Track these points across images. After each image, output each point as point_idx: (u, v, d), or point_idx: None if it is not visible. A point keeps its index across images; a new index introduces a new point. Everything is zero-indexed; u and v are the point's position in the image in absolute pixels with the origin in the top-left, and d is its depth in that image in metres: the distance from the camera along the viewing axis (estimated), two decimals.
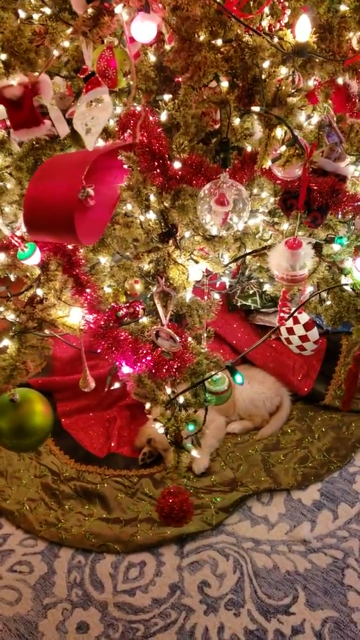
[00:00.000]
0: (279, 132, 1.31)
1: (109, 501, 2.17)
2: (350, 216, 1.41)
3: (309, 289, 1.70)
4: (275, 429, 2.43)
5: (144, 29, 1.30)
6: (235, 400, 2.48)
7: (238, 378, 1.58)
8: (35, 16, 1.46)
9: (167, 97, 1.39)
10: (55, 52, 1.36)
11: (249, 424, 2.46)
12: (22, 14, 1.45)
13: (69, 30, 1.40)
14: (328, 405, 2.49)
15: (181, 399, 1.59)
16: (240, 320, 2.69)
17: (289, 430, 2.43)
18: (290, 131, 1.29)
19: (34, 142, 1.52)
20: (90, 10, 1.24)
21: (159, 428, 1.56)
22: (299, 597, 1.87)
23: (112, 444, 2.39)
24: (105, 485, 2.23)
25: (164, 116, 1.37)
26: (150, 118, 1.30)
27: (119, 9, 1.26)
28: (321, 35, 1.39)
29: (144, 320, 1.57)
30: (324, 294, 1.65)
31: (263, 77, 1.28)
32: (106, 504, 2.16)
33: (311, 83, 1.68)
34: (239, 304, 2.64)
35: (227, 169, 1.28)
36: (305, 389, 2.54)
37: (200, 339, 1.70)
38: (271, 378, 2.53)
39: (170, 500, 1.52)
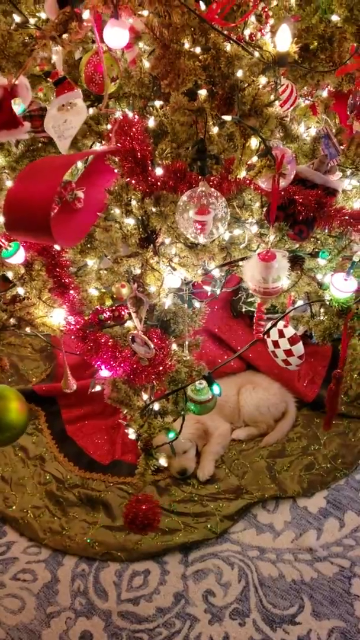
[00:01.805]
0: (254, 142, 1.31)
1: (113, 509, 2.15)
2: (340, 231, 1.38)
3: (299, 302, 1.69)
4: (280, 435, 2.41)
5: (114, 35, 1.31)
6: (241, 407, 2.47)
7: (215, 389, 1.57)
8: (32, 20, 1.47)
9: (158, 103, 1.38)
10: (42, 55, 1.37)
11: (254, 431, 2.44)
12: (17, 19, 1.46)
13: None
14: None
15: (157, 406, 1.58)
16: (246, 326, 2.67)
17: (295, 437, 2.41)
18: (263, 142, 1.29)
19: (30, 144, 1.53)
20: (60, 16, 1.25)
21: (131, 434, 1.55)
22: (305, 607, 1.84)
23: (117, 451, 2.38)
24: (110, 492, 2.21)
25: (151, 122, 1.38)
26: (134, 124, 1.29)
27: (86, 14, 1.27)
28: (321, 46, 1.38)
29: (129, 324, 1.57)
30: (316, 309, 1.64)
31: (243, 86, 1.28)
32: (110, 511, 2.15)
33: (325, 94, 1.68)
34: (243, 309, 2.63)
35: (206, 177, 1.27)
36: (311, 396, 2.52)
37: (191, 346, 1.69)
38: (276, 384, 2.51)
39: (136, 508, 1.51)
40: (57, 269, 1.43)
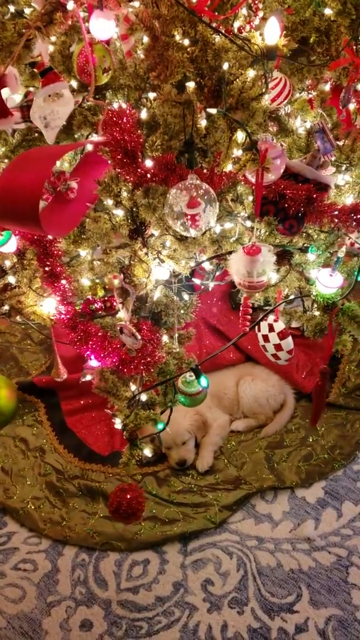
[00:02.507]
0: (241, 135, 1.31)
1: None
2: (332, 226, 1.38)
3: (290, 296, 1.68)
4: (279, 426, 2.42)
5: (99, 26, 1.31)
6: (240, 398, 2.48)
7: (203, 381, 1.58)
8: (27, 10, 1.46)
9: (152, 95, 1.38)
10: (38, 46, 1.36)
11: (253, 422, 2.45)
12: (12, 9, 1.45)
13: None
14: (332, 403, 2.48)
15: (144, 397, 1.58)
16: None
17: (293, 428, 2.42)
18: (247, 135, 1.29)
19: (27, 134, 1.53)
20: (47, 7, 1.25)
21: (117, 424, 1.56)
22: (303, 596, 1.86)
23: (116, 442, 2.39)
24: (109, 483, 2.23)
25: (144, 114, 1.37)
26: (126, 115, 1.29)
27: (70, 5, 1.27)
28: (318, 39, 1.37)
29: (121, 315, 1.57)
30: (308, 304, 1.63)
31: (231, 79, 1.28)
32: None
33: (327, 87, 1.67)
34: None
35: (195, 170, 1.26)
36: (309, 387, 2.53)
37: (181, 339, 1.69)
38: (275, 376, 2.52)
39: (120, 497, 1.52)
40: (49, 259, 1.43)
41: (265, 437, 2.39)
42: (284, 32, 1.36)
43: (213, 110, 1.30)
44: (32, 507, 2.16)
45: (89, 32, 1.35)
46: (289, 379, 2.54)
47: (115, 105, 1.41)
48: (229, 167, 1.34)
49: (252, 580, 1.91)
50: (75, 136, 1.53)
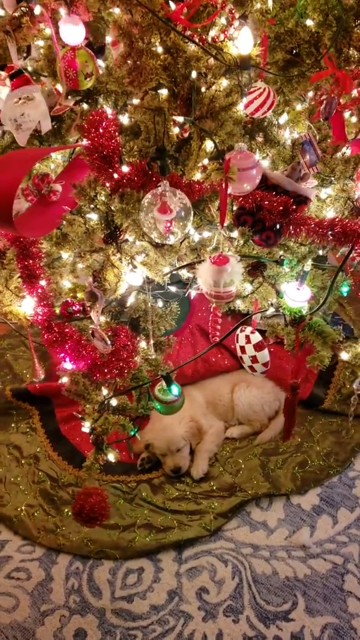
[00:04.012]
0: (210, 144, 1.31)
1: None
2: (309, 240, 1.37)
3: (271, 310, 1.69)
4: (274, 433, 2.42)
5: (67, 31, 1.34)
6: (234, 405, 2.48)
7: (174, 389, 1.58)
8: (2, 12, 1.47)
9: (136, 101, 1.39)
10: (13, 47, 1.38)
11: (248, 429, 2.45)
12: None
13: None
14: (327, 410, 2.48)
15: (115, 403, 1.58)
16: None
17: None
18: (214, 144, 1.29)
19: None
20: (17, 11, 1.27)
21: (84, 428, 1.55)
22: (299, 603, 1.85)
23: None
24: (104, 491, 2.21)
25: (125, 120, 1.38)
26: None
27: (37, 10, 1.29)
28: (306, 51, 1.38)
29: (102, 319, 1.57)
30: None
31: (202, 87, 1.29)
32: None
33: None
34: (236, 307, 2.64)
35: (167, 176, 1.27)
36: (305, 394, 2.53)
37: (161, 346, 1.69)
38: (270, 382, 2.52)
39: (83, 500, 1.52)
40: (28, 259, 1.43)
41: (260, 444, 2.38)
42: (270, 42, 1.35)
43: (180, 118, 1.31)
44: (26, 515, 2.14)
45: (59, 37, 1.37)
46: (284, 386, 2.54)
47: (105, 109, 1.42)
48: (197, 176, 1.34)
49: (247, 588, 1.90)
50: (71, 140, 1.54)
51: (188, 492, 2.20)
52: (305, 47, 1.35)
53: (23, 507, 2.17)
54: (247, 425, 2.46)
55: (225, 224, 1.48)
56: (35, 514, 2.14)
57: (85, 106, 1.54)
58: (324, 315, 1.62)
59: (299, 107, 1.60)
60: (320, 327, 1.47)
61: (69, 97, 1.51)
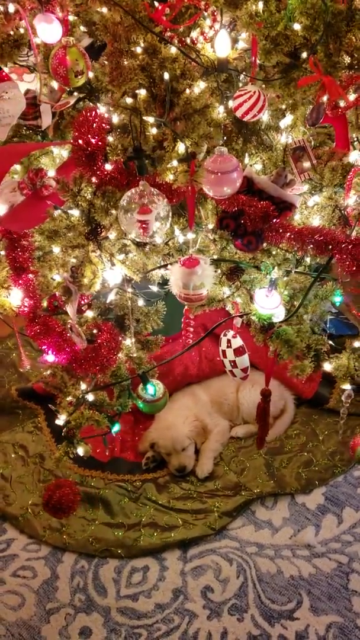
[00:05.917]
0: (182, 146, 1.32)
1: (113, 506, 2.16)
2: (290, 247, 1.36)
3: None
4: (279, 432, 2.42)
5: (42, 30, 1.36)
6: (240, 405, 2.48)
7: (149, 389, 1.58)
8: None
9: (130, 100, 1.39)
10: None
11: (253, 428, 2.45)
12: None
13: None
14: (332, 409, 2.48)
15: (91, 398, 1.59)
16: (243, 325, 2.67)
17: (293, 434, 2.42)
18: (185, 147, 1.29)
19: (16, 131, 1.56)
20: None
21: (59, 420, 1.56)
22: (303, 602, 1.85)
23: (116, 449, 2.39)
24: (109, 490, 2.22)
25: (115, 118, 1.38)
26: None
27: (11, 8, 1.31)
28: (303, 54, 1.37)
29: (88, 314, 1.57)
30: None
31: (179, 89, 1.29)
32: (109, 508, 2.16)
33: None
34: None
35: (144, 177, 1.28)
36: (309, 393, 2.52)
37: (149, 345, 1.70)
38: (275, 382, 2.52)
39: (52, 491, 1.53)
40: (16, 251, 1.44)
41: (265, 443, 2.38)
42: (266, 45, 1.34)
43: (151, 119, 1.31)
44: (32, 514, 2.15)
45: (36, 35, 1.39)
46: (289, 385, 2.54)
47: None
48: (170, 177, 1.35)
49: (252, 587, 1.90)
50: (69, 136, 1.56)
51: (193, 491, 2.21)
52: (301, 50, 1.35)
53: (29, 506, 2.18)
54: (252, 424, 2.46)
55: (210, 227, 1.48)
56: (41, 513, 2.15)
57: (90, 104, 1.55)
58: (313, 324, 1.62)
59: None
60: (287, 335, 1.46)
61: (75, 93, 1.52)
